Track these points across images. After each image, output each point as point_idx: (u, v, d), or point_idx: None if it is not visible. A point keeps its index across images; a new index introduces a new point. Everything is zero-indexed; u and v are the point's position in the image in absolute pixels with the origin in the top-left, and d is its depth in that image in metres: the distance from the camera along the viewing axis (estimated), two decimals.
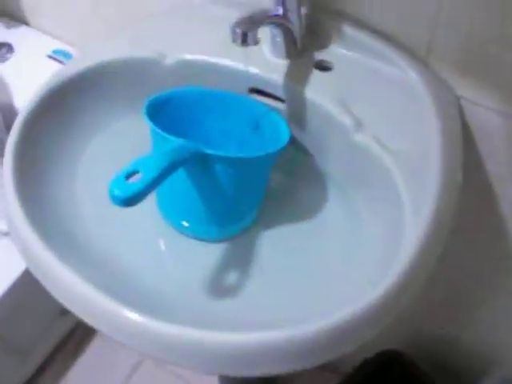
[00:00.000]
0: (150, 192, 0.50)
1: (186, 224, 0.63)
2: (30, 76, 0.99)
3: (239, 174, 0.59)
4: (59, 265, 0.53)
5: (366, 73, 0.66)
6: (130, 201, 0.48)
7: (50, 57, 1.01)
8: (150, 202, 0.64)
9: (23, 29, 1.11)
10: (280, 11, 0.62)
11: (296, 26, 0.64)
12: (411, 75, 0.65)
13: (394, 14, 0.65)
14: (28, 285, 0.97)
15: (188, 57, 0.69)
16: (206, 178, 0.59)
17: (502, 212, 0.76)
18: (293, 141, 0.67)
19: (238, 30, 0.55)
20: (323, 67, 0.67)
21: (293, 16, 0.63)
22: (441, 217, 0.55)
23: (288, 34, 0.64)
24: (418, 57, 0.66)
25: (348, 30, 0.67)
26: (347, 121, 0.61)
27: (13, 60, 1.04)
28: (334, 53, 0.68)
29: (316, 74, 0.66)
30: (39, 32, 1.09)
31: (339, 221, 0.64)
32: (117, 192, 0.47)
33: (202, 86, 0.66)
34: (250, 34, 0.55)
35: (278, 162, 0.63)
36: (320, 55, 0.68)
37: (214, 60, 0.67)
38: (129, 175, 0.49)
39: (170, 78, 0.70)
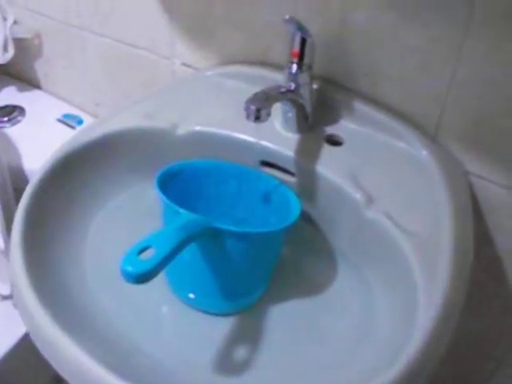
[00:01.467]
0: (163, 268, 0.49)
1: (193, 296, 0.62)
2: (39, 139, 1.00)
3: (250, 249, 0.59)
4: (62, 337, 0.52)
5: (377, 148, 0.67)
6: (143, 278, 0.47)
7: (59, 121, 1.03)
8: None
9: (36, 93, 1.13)
10: (292, 87, 0.63)
11: (308, 102, 0.65)
12: (421, 151, 0.65)
13: (404, 91, 0.67)
14: (24, 350, 0.95)
15: (199, 128, 0.70)
16: (216, 251, 0.58)
17: (510, 285, 0.75)
18: (303, 214, 0.67)
19: (252, 107, 0.56)
20: (334, 142, 0.68)
21: (305, 92, 0.64)
22: (454, 296, 0.54)
23: (300, 109, 0.65)
24: (427, 132, 0.67)
25: (358, 105, 0.68)
26: (358, 196, 0.61)
27: (24, 123, 1.05)
28: (344, 127, 0.69)
29: (327, 149, 0.66)
30: (51, 96, 1.11)
31: (350, 297, 0.63)
32: (130, 269, 0.47)
33: (213, 159, 0.67)
34: (263, 111, 0.56)
35: (287, 235, 0.62)
36: (331, 130, 0.69)
37: (225, 132, 0.68)
38: (141, 251, 0.49)
39: (182, 148, 0.71)
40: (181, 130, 0.70)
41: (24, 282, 0.55)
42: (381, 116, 0.67)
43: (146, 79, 0.92)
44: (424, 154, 0.65)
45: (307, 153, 0.66)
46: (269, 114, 0.57)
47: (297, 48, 0.62)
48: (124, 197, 0.72)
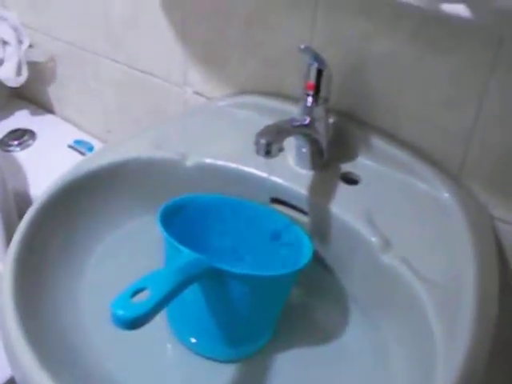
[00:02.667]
0: (158, 312, 0.45)
1: (195, 341, 0.58)
2: (48, 164, 0.97)
3: (255, 293, 0.55)
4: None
5: (395, 188, 0.63)
6: (135, 323, 0.43)
7: (70, 147, 1.00)
8: (159, 315, 0.59)
9: (49, 117, 1.11)
10: (307, 121, 0.60)
11: (323, 137, 0.62)
12: (443, 192, 0.61)
13: (425, 128, 0.63)
14: None
15: (208, 160, 0.66)
16: (219, 294, 0.54)
17: None
18: (315, 256, 0.63)
19: (263, 141, 0.52)
20: (350, 180, 0.64)
21: (320, 126, 0.61)
22: (476, 354, 0.49)
23: (314, 144, 0.62)
24: (449, 172, 0.63)
25: (376, 141, 0.65)
26: (374, 239, 0.57)
27: (34, 147, 1.03)
28: (361, 165, 0.65)
29: (342, 187, 0.62)
30: (64, 121, 1.09)
31: (361, 347, 0.58)
32: (121, 312, 0.43)
33: (221, 193, 0.63)
34: (274, 146, 0.53)
35: (298, 277, 0.58)
36: (347, 167, 0.65)
37: (234, 166, 0.65)
38: (136, 292, 0.45)
39: (190, 181, 0.67)
40: (190, 162, 0.67)
41: (12, 320, 0.52)
42: (400, 154, 0.63)
43: (159, 107, 0.90)
44: (446, 196, 0.61)
45: (321, 191, 0.62)
46: (280, 149, 0.53)
47: (312, 80, 0.58)
48: (127, 229, 0.69)
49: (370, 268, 0.58)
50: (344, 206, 0.60)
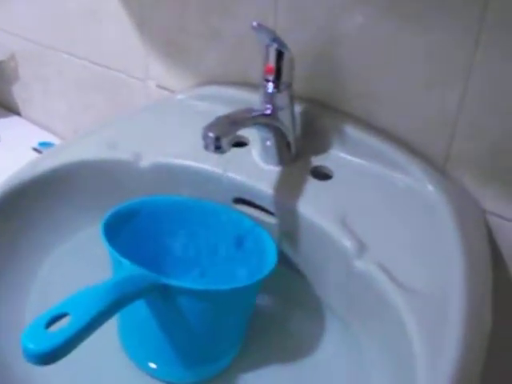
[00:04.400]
0: (81, 341, 0.38)
1: (153, 366, 0.51)
2: (9, 168, 0.90)
3: (212, 308, 0.48)
4: None
5: (372, 183, 0.55)
6: (49, 357, 0.36)
7: (35, 149, 0.94)
8: (113, 337, 0.53)
9: (14, 119, 1.04)
10: (269, 110, 0.53)
11: (288, 128, 0.55)
12: (426, 185, 0.54)
13: (405, 113, 0.56)
14: None
15: (164, 160, 0.59)
16: (173, 312, 0.47)
17: None
18: (285, 260, 0.57)
19: (211, 135, 0.45)
20: (322, 174, 0.57)
21: (284, 115, 0.54)
22: (465, 370, 0.42)
23: (280, 136, 0.55)
24: (434, 163, 0.56)
25: (351, 131, 0.57)
26: (348, 243, 0.50)
27: None
28: (334, 158, 0.58)
29: (313, 184, 0.55)
30: (30, 123, 1.03)
31: (338, 360, 0.51)
32: (31, 346, 0.36)
33: (176, 195, 0.56)
34: (224, 140, 0.45)
35: (265, 284, 0.51)
36: (318, 160, 0.58)
37: (192, 164, 0.58)
38: (54, 319, 0.38)
39: (146, 182, 0.60)
40: (145, 162, 0.60)
41: None
42: (377, 143, 0.56)
43: (124, 104, 0.83)
44: (430, 189, 0.53)
45: (289, 188, 0.55)
46: (230, 143, 0.46)
47: (272, 63, 0.51)
48: (78, 240, 0.62)
49: (344, 274, 0.51)
50: (314, 204, 0.53)
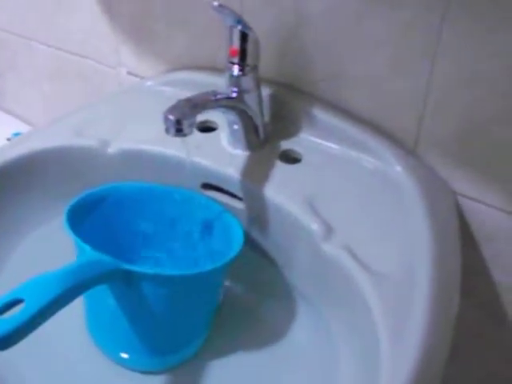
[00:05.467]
0: (35, 327, 0.37)
1: (125, 356, 0.50)
2: None
3: (176, 294, 0.47)
4: None
5: (341, 165, 0.55)
6: (2, 342, 0.35)
7: (8, 140, 0.92)
8: (81, 327, 0.52)
9: None
10: (234, 93, 0.52)
11: (255, 111, 0.54)
12: (394, 166, 0.53)
13: (373, 95, 0.55)
14: None
15: (132, 146, 0.58)
16: (135, 300, 0.46)
17: (509, 326, 0.62)
18: (254, 246, 0.56)
19: (171, 117, 0.44)
20: (291, 159, 0.56)
21: (250, 99, 0.53)
22: (429, 359, 0.42)
23: (246, 120, 0.54)
24: (404, 145, 0.55)
25: (321, 114, 0.57)
26: (315, 226, 0.49)
27: None
28: (303, 141, 0.57)
29: (281, 168, 0.54)
30: (5, 113, 1.01)
31: (308, 346, 0.51)
32: None
33: (143, 181, 0.56)
34: (185, 122, 0.45)
35: (234, 269, 0.50)
36: (287, 144, 0.57)
37: (159, 150, 0.57)
38: (9, 305, 0.37)
39: (114, 169, 0.60)
40: (112, 149, 0.59)
41: None
42: (346, 126, 0.55)
43: (97, 92, 0.82)
44: (398, 170, 0.53)
45: (256, 173, 0.54)
46: (192, 126, 0.45)
47: (236, 45, 0.50)
48: (48, 228, 0.60)
49: (312, 258, 0.50)
50: (282, 189, 0.52)
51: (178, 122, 0.44)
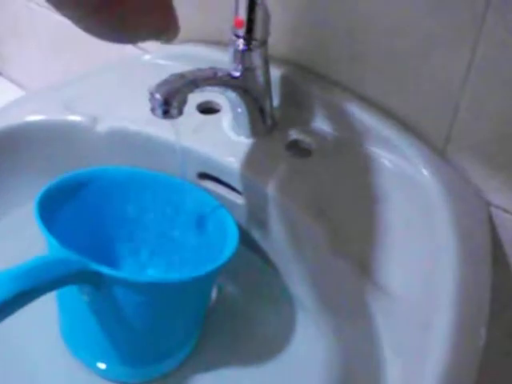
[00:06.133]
0: None
1: (102, 366, 0.44)
2: None
3: (154, 301, 0.40)
4: None
5: (357, 162, 0.47)
6: None
7: None
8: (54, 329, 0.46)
9: None
10: (237, 72, 0.44)
11: (262, 93, 0.47)
12: (420, 169, 0.46)
13: (400, 82, 0.47)
14: None
15: (122, 124, 0.52)
16: (109, 305, 0.40)
17: None
18: (252, 245, 0.49)
19: (158, 97, 0.37)
20: (299, 150, 0.49)
21: (257, 79, 0.46)
22: None
23: (251, 103, 0.47)
24: (431, 143, 0.48)
25: (337, 101, 0.49)
26: (321, 231, 0.42)
27: None
28: (316, 131, 0.50)
29: (288, 160, 0.47)
30: (8, 82, 0.96)
31: (307, 362, 0.44)
32: None
33: (132, 167, 0.49)
34: (174, 103, 0.38)
35: (228, 268, 0.44)
36: (297, 133, 0.50)
37: (150, 131, 0.50)
38: None
39: (101, 149, 0.53)
40: (101, 126, 0.53)
41: None
42: (366, 117, 0.48)
43: (99, 62, 0.75)
44: (425, 173, 0.45)
45: (261, 164, 0.47)
46: (182, 107, 0.38)
47: (242, 15, 0.43)
48: (24, 211, 0.54)
49: (315, 267, 0.44)
50: (288, 185, 0.45)
51: (166, 102, 0.37)
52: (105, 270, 0.37)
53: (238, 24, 0.43)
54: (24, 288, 0.34)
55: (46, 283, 0.36)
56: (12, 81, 0.95)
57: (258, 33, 0.44)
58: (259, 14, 0.43)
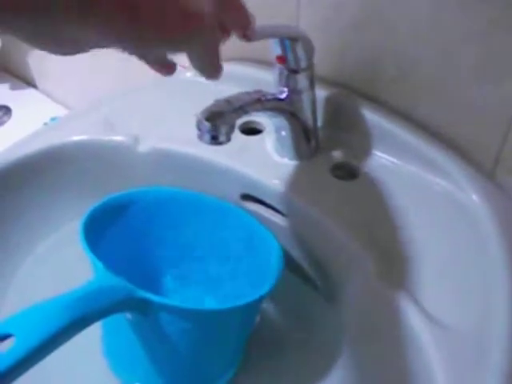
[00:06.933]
0: (28, 367, 0.31)
1: None
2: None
3: (198, 328, 0.40)
4: None
5: (405, 187, 0.46)
6: None
7: (45, 124, 0.87)
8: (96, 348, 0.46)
9: (29, 92, 0.99)
10: (283, 94, 0.44)
11: (308, 115, 0.46)
12: (469, 194, 0.44)
13: (450, 105, 0.46)
14: None
15: (164, 145, 0.51)
16: (154, 330, 0.40)
17: None
18: (295, 268, 0.49)
19: (206, 123, 0.37)
20: (345, 173, 0.48)
21: (303, 101, 0.45)
22: None
23: (297, 125, 0.46)
24: (481, 166, 0.46)
25: (385, 123, 0.48)
26: (369, 259, 0.41)
27: (8, 125, 0.91)
28: (362, 153, 0.49)
29: (334, 183, 0.47)
30: (45, 96, 0.96)
31: None
32: None
33: (175, 187, 0.49)
34: (222, 129, 0.37)
35: (271, 293, 0.43)
36: (342, 155, 0.49)
37: (194, 152, 0.50)
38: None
39: (143, 170, 0.53)
40: (143, 146, 0.53)
41: None
42: (414, 139, 0.47)
43: (137, 78, 0.75)
44: (475, 199, 0.44)
45: (305, 187, 0.46)
46: (230, 133, 0.38)
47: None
48: (66, 233, 0.55)
49: (362, 294, 0.43)
50: (333, 208, 0.44)
51: (214, 129, 0.37)
52: (153, 297, 0.37)
53: (279, 61, 0.43)
54: (70, 320, 0.34)
55: (92, 314, 0.35)
56: (48, 95, 0.96)
57: (302, 63, 0.43)
58: (299, 51, 0.42)
